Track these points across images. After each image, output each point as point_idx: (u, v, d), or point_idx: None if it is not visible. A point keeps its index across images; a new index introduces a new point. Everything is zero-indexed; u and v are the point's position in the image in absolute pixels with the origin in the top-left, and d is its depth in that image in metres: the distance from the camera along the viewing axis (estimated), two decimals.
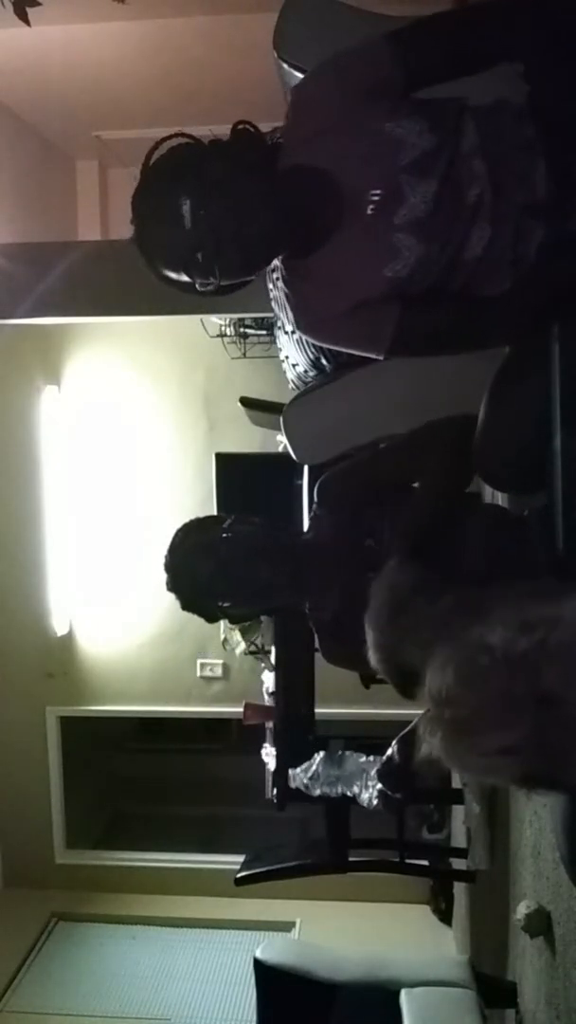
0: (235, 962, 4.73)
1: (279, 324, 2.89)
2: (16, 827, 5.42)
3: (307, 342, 2.62)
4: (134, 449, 5.21)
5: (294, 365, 2.88)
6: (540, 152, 1.22)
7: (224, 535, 1.51)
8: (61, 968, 4.86)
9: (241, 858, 3.95)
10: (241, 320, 4.59)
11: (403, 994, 3.01)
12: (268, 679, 4.05)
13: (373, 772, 2.95)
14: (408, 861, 3.91)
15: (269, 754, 3.77)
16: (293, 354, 2.83)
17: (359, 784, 3.10)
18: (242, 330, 4.77)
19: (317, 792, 3.21)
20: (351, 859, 3.71)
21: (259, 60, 2.62)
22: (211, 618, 1.57)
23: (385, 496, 1.56)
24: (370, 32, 1.27)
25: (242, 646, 4.55)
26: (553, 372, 1.32)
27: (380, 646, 1.27)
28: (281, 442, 3.08)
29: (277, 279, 1.44)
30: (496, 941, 3.40)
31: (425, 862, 4.42)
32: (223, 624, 4.39)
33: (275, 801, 3.62)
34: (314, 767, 3.26)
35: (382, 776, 2.55)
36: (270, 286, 2.33)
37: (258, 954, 3.29)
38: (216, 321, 4.67)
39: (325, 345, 1.81)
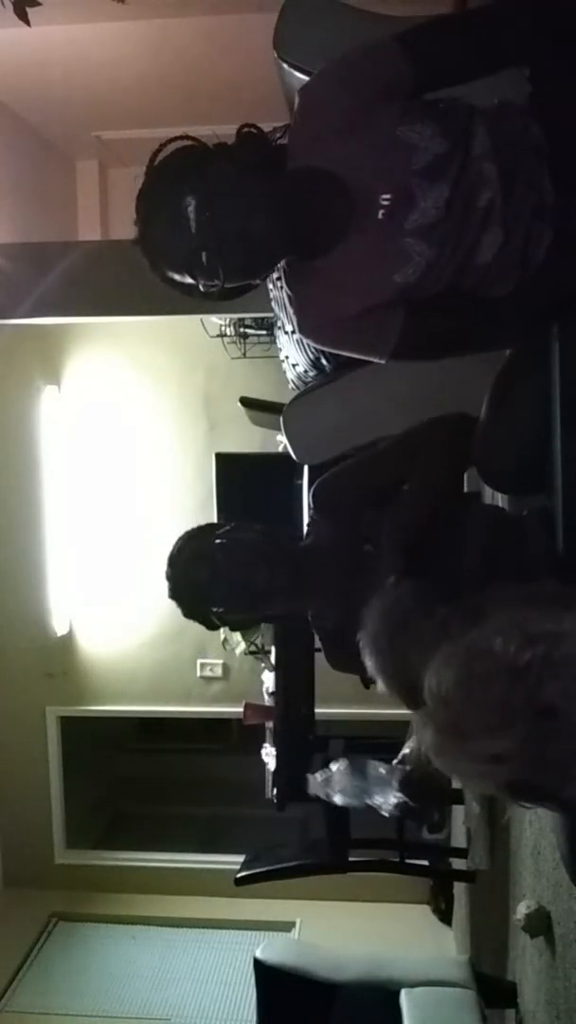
0: (235, 962, 4.73)
1: (279, 324, 2.89)
2: (16, 827, 5.41)
3: (307, 342, 2.62)
4: (134, 449, 5.21)
5: (294, 365, 2.88)
6: (545, 153, 1.21)
7: (221, 541, 1.50)
8: (61, 968, 4.86)
9: (241, 858, 3.95)
10: (241, 320, 4.59)
11: (403, 994, 3.01)
12: (268, 679, 4.05)
13: (395, 782, 2.94)
14: (408, 861, 3.91)
15: (269, 754, 3.77)
16: (293, 354, 2.83)
17: (380, 794, 3.08)
18: (242, 330, 4.77)
19: (337, 802, 3.18)
20: (351, 859, 3.71)
21: (259, 60, 2.62)
22: (212, 626, 1.57)
23: (382, 499, 1.55)
24: (370, 32, 1.26)
25: (242, 646, 4.55)
26: (553, 372, 1.32)
27: (385, 670, 1.27)
28: (281, 442, 3.08)
29: (278, 279, 1.43)
30: (496, 941, 3.40)
31: (425, 862, 4.42)
32: None
33: (275, 801, 3.62)
34: (337, 778, 3.23)
35: (404, 786, 2.54)
36: (270, 286, 2.34)
37: (258, 954, 3.29)
38: (216, 321, 4.67)
39: (327, 349, 1.80)
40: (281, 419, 2.87)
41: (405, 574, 1.41)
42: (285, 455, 3.01)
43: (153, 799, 6.48)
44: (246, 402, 4.32)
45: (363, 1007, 3.05)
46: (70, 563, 5.30)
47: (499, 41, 1.25)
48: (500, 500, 1.83)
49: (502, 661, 0.97)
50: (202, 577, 1.48)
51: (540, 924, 2.57)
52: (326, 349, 1.97)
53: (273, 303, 2.51)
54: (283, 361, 2.99)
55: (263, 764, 3.93)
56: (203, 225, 1.19)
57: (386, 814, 3.04)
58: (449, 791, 3.59)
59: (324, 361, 2.71)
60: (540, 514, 1.40)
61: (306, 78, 1.63)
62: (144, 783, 6.68)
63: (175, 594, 1.53)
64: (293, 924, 4.93)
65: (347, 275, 1.29)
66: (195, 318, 4.43)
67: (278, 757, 3.60)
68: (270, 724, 3.92)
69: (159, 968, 4.84)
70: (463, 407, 1.52)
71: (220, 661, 5.22)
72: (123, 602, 5.17)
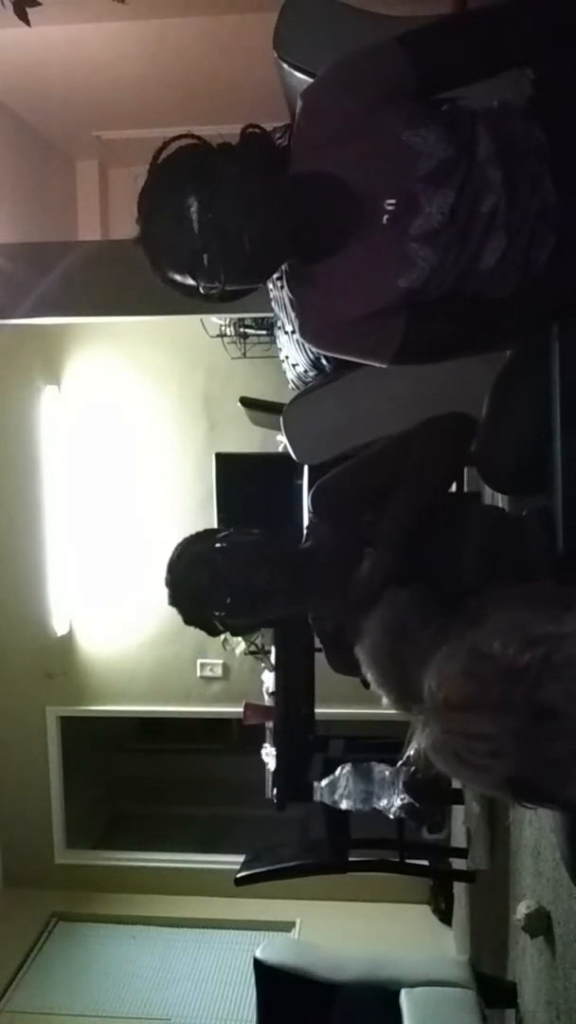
0: (235, 962, 4.73)
1: (279, 324, 2.89)
2: (16, 827, 5.42)
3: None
4: (134, 449, 5.21)
5: (294, 365, 2.88)
6: (546, 155, 1.21)
7: (220, 545, 1.49)
8: (61, 968, 4.86)
9: (241, 858, 3.95)
10: (241, 320, 4.59)
11: (403, 994, 3.01)
12: (268, 679, 4.05)
13: (400, 783, 2.94)
14: (408, 861, 3.91)
15: (269, 754, 3.77)
16: (293, 354, 2.83)
17: (386, 796, 3.08)
18: (242, 330, 4.77)
19: (344, 807, 3.18)
20: (351, 859, 3.71)
21: (259, 60, 2.62)
22: (213, 631, 1.56)
23: (382, 500, 1.55)
24: (371, 32, 1.26)
25: (242, 646, 4.56)
26: (553, 372, 1.31)
27: (387, 685, 1.27)
28: (281, 442, 3.08)
29: (279, 279, 1.43)
30: (496, 941, 3.40)
31: (425, 862, 4.42)
32: None
33: (275, 801, 3.62)
34: (342, 783, 3.23)
35: (410, 788, 2.54)
36: (270, 287, 2.34)
37: (258, 954, 3.29)
38: (216, 321, 4.67)
39: (328, 353, 1.80)
40: (281, 419, 2.87)
41: (396, 572, 1.40)
42: (285, 455, 3.01)
43: (153, 799, 6.48)
44: (246, 402, 4.32)
45: (363, 1007, 3.05)
46: (70, 563, 5.30)
47: (502, 42, 1.24)
48: (500, 500, 1.82)
49: (502, 662, 0.97)
50: (202, 581, 1.47)
51: (540, 924, 2.57)
52: (327, 353, 1.97)
53: (273, 303, 2.51)
54: (283, 361, 2.98)
55: (263, 764, 3.93)
56: (205, 226, 1.18)
57: (392, 816, 3.04)
58: (449, 791, 3.59)
59: (324, 361, 2.71)
60: (540, 514, 1.39)
61: (306, 78, 1.63)
62: (144, 783, 6.68)
63: (175, 600, 1.52)
64: (293, 924, 4.93)
65: (350, 280, 1.28)
66: (195, 318, 4.43)
67: (278, 757, 3.60)
68: (270, 724, 3.92)
69: (159, 968, 4.85)
70: (464, 407, 1.52)
71: (220, 661, 5.22)
72: (123, 602, 5.17)
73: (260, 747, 4.01)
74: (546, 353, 1.32)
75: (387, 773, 3.12)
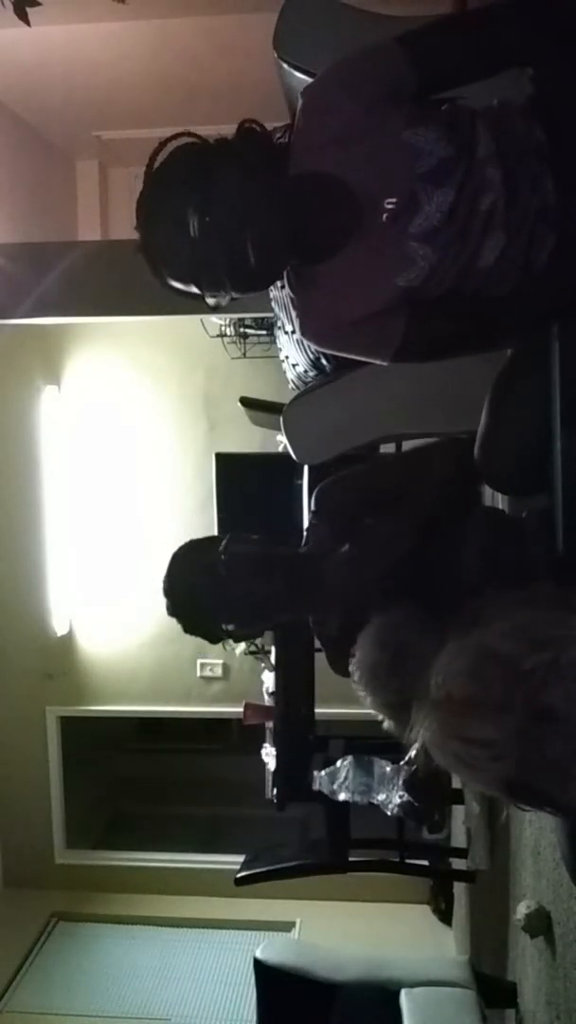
0: (235, 962, 4.73)
1: (279, 324, 2.89)
2: (16, 827, 5.42)
3: (308, 343, 2.62)
4: (134, 449, 5.21)
5: (294, 365, 2.88)
6: (546, 154, 1.21)
7: (220, 555, 1.47)
8: (61, 968, 4.86)
9: (241, 858, 3.95)
10: (241, 320, 4.59)
11: (403, 994, 3.01)
12: (268, 679, 4.05)
13: (400, 781, 2.94)
14: (408, 861, 3.91)
15: (269, 754, 3.76)
16: (293, 354, 2.83)
17: (385, 791, 3.08)
18: (242, 330, 4.77)
19: (342, 798, 3.18)
20: (351, 859, 3.70)
21: (259, 60, 2.62)
22: (214, 640, 1.56)
23: (384, 506, 1.54)
24: (371, 32, 1.26)
25: (242, 646, 4.55)
26: (553, 372, 1.31)
27: (386, 704, 1.26)
28: (281, 442, 3.08)
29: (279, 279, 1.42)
30: (496, 941, 3.40)
31: (425, 862, 4.42)
32: None
33: (275, 801, 3.62)
34: (343, 773, 3.23)
35: (410, 787, 2.54)
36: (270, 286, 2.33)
37: (258, 954, 3.29)
38: (216, 321, 4.67)
39: (329, 352, 1.80)
40: (281, 419, 2.87)
41: (389, 590, 1.40)
42: (285, 455, 3.00)
43: (153, 799, 6.48)
44: (246, 402, 4.32)
45: (363, 1007, 3.05)
46: (70, 563, 5.30)
47: (501, 41, 1.24)
48: (500, 500, 1.83)
49: (508, 663, 0.97)
50: (203, 591, 1.46)
51: (540, 924, 2.57)
52: (328, 352, 1.97)
53: (273, 303, 2.50)
54: (283, 361, 2.98)
55: (263, 764, 3.92)
56: (205, 236, 1.18)
57: (389, 812, 3.04)
58: (449, 791, 3.59)
59: (324, 361, 2.71)
60: (540, 515, 1.39)
61: (306, 78, 1.63)
62: (144, 783, 6.68)
63: (175, 612, 1.51)
64: (293, 924, 4.93)
65: (350, 279, 1.28)
66: (195, 318, 4.43)
67: (278, 757, 3.59)
68: (270, 724, 3.92)
69: (159, 968, 4.85)
70: (464, 407, 1.52)
71: (220, 661, 5.22)
72: (123, 602, 5.17)
73: (260, 747, 4.01)
74: (546, 353, 1.32)
75: (388, 769, 3.12)
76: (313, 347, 2.63)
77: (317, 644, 1.93)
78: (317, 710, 3.77)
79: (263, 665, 4.35)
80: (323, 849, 3.76)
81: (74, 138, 4.93)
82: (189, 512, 5.00)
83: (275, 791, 3.60)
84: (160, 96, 4.30)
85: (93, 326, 4.94)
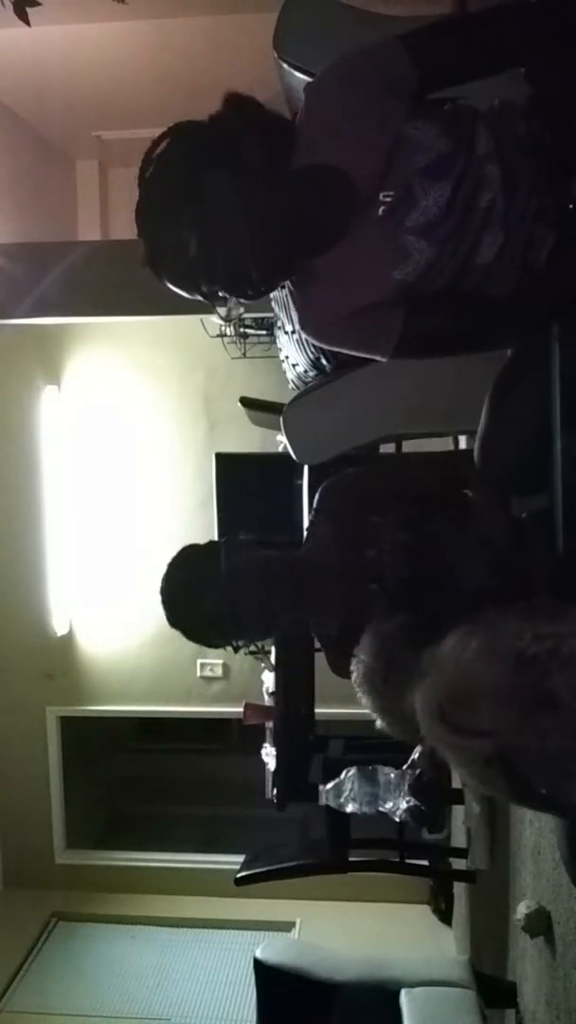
0: (235, 962, 4.73)
1: (279, 324, 2.89)
2: (16, 827, 5.41)
3: (307, 342, 2.62)
4: (134, 449, 5.21)
5: (294, 365, 2.87)
6: (546, 155, 1.21)
7: (221, 566, 1.46)
8: (61, 968, 4.86)
9: (241, 858, 3.95)
10: (241, 320, 4.58)
11: (403, 994, 3.01)
12: (268, 679, 4.05)
13: (405, 786, 2.93)
14: (408, 861, 3.91)
15: (269, 754, 3.76)
16: (293, 354, 2.82)
17: (392, 799, 3.07)
18: (242, 330, 4.77)
19: (349, 810, 3.18)
20: (351, 859, 3.70)
21: (259, 60, 2.62)
22: (216, 647, 1.56)
23: (387, 507, 1.54)
24: (371, 32, 1.26)
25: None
26: (553, 372, 1.31)
27: (384, 708, 1.27)
28: (281, 442, 3.08)
29: None
30: (496, 941, 3.40)
31: (425, 862, 4.42)
32: None
33: (275, 801, 3.61)
34: (348, 785, 3.22)
35: (416, 792, 2.53)
36: None
37: (258, 954, 3.29)
38: (216, 321, 4.66)
39: (330, 348, 1.80)
40: (281, 419, 2.87)
41: (398, 601, 1.40)
42: (285, 455, 3.00)
43: (153, 799, 6.48)
44: (246, 402, 4.32)
45: (363, 1007, 3.05)
46: (70, 563, 5.30)
47: (501, 42, 1.24)
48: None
49: (511, 651, 0.99)
50: (208, 606, 1.45)
51: (540, 924, 2.57)
52: (328, 347, 1.97)
53: (273, 303, 2.50)
54: (283, 361, 2.98)
55: (263, 764, 3.92)
56: (207, 252, 1.19)
57: (398, 819, 3.04)
58: (450, 791, 3.59)
59: (324, 361, 2.71)
60: (540, 515, 1.39)
61: (306, 78, 1.63)
62: (144, 783, 6.68)
63: (179, 624, 1.51)
64: (293, 924, 4.93)
65: (347, 272, 1.29)
66: (195, 318, 4.43)
67: (278, 757, 3.59)
68: (270, 724, 3.91)
69: (159, 968, 4.84)
70: (464, 407, 1.52)
71: (220, 661, 5.22)
72: (123, 602, 5.17)
73: (260, 747, 4.00)
74: (546, 353, 1.32)
75: (392, 776, 3.11)
76: (313, 347, 2.64)
77: (317, 644, 1.93)
78: (317, 710, 3.77)
79: (263, 665, 4.34)
80: (323, 849, 3.76)
81: (74, 138, 4.93)
82: (189, 512, 5.00)
83: (275, 791, 3.60)
84: (160, 96, 4.30)
85: (93, 326, 4.94)
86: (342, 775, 3.20)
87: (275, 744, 3.68)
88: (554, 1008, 2.48)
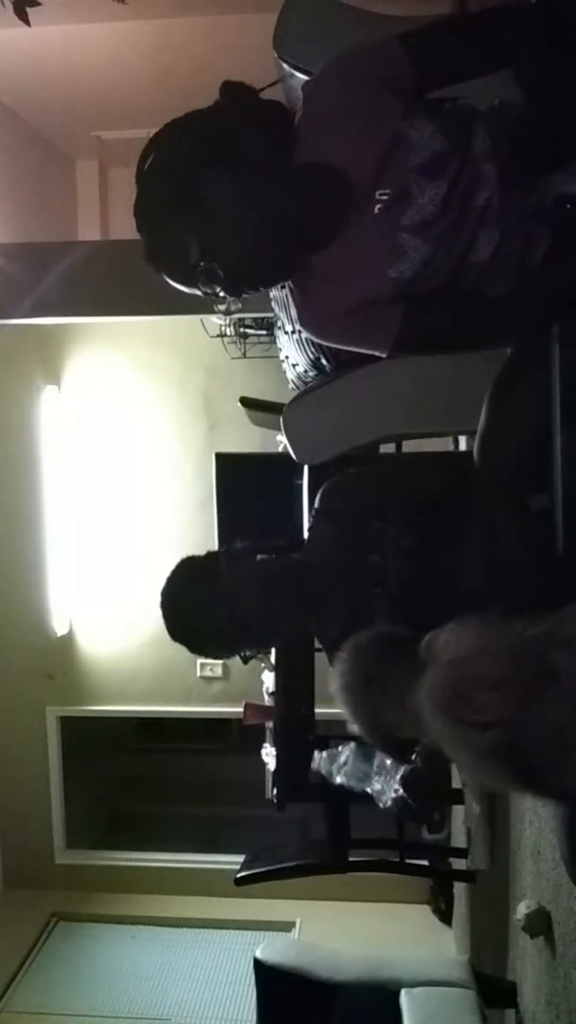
0: (235, 962, 4.73)
1: (279, 324, 2.89)
2: (16, 827, 5.41)
3: (307, 342, 2.62)
4: (134, 449, 5.21)
5: (294, 365, 2.88)
6: (544, 154, 1.21)
7: (223, 580, 1.46)
8: (61, 968, 4.86)
9: (241, 858, 3.95)
10: (241, 320, 4.58)
11: (403, 994, 3.01)
12: (268, 679, 4.05)
13: (398, 776, 2.93)
14: (408, 861, 3.91)
15: (269, 754, 3.76)
16: (293, 354, 2.82)
17: (381, 782, 3.06)
18: (242, 330, 4.77)
19: (338, 781, 3.17)
20: (351, 859, 3.70)
21: (259, 60, 2.62)
22: (221, 658, 1.57)
23: (388, 510, 1.54)
24: (370, 32, 1.27)
25: None
26: (553, 372, 1.31)
27: (365, 720, 1.27)
28: (281, 442, 3.08)
29: None
30: (496, 941, 3.40)
31: (425, 862, 4.42)
32: None
33: (275, 801, 3.61)
34: (343, 757, 3.21)
35: (406, 784, 2.53)
36: None
37: (258, 954, 3.29)
38: (216, 321, 4.66)
39: (329, 344, 1.80)
40: (281, 419, 2.87)
41: (400, 604, 1.41)
42: (285, 455, 3.00)
43: (153, 799, 6.48)
44: (246, 402, 4.32)
45: (363, 1007, 3.05)
46: (70, 563, 5.30)
47: (500, 42, 1.25)
48: None
49: (513, 631, 1.01)
50: (213, 620, 1.45)
51: (540, 924, 2.57)
52: (327, 344, 1.98)
53: (273, 303, 2.50)
54: (283, 361, 2.98)
55: (263, 764, 3.92)
56: (205, 247, 1.19)
57: (382, 805, 3.03)
58: (449, 791, 3.59)
59: (324, 361, 2.71)
60: (540, 514, 1.39)
61: (306, 78, 1.63)
62: (144, 783, 6.68)
63: (182, 638, 1.51)
64: (293, 924, 4.93)
65: (344, 269, 1.29)
66: (195, 318, 4.43)
67: (278, 757, 3.59)
68: (270, 724, 3.91)
69: (159, 968, 4.85)
70: (463, 407, 1.52)
71: (220, 661, 5.21)
72: (123, 602, 5.17)
73: (260, 747, 4.00)
74: (546, 353, 1.32)
75: (388, 761, 3.11)
76: (313, 347, 2.64)
77: (317, 644, 1.93)
78: (317, 710, 3.77)
79: (263, 665, 4.34)
80: (323, 849, 3.76)
81: (74, 138, 4.93)
82: (189, 512, 5.00)
83: (275, 791, 3.60)
84: (160, 96, 4.28)
85: (93, 326, 4.94)
86: (340, 747, 3.20)
87: (275, 744, 3.68)
88: (554, 1008, 2.48)
